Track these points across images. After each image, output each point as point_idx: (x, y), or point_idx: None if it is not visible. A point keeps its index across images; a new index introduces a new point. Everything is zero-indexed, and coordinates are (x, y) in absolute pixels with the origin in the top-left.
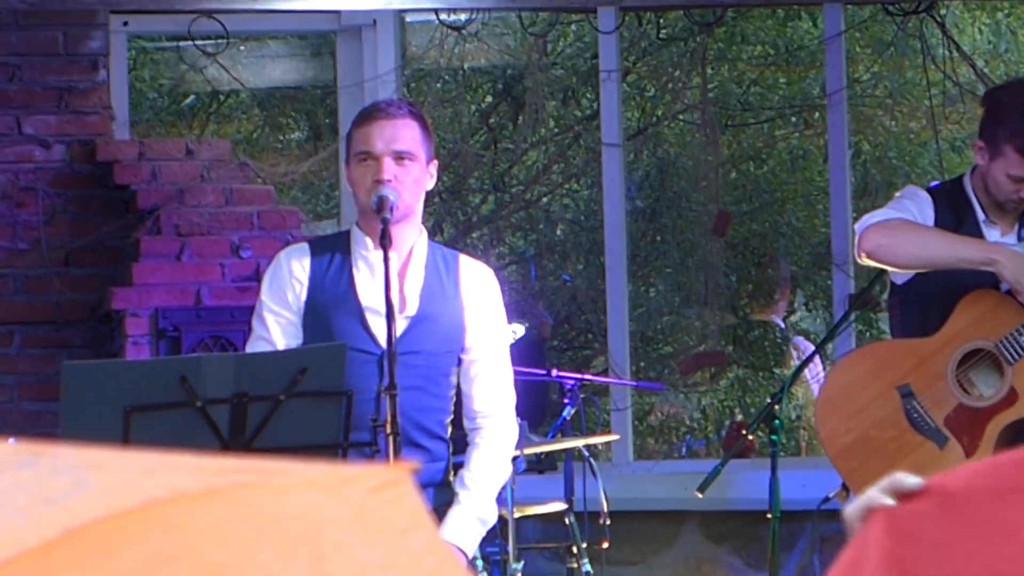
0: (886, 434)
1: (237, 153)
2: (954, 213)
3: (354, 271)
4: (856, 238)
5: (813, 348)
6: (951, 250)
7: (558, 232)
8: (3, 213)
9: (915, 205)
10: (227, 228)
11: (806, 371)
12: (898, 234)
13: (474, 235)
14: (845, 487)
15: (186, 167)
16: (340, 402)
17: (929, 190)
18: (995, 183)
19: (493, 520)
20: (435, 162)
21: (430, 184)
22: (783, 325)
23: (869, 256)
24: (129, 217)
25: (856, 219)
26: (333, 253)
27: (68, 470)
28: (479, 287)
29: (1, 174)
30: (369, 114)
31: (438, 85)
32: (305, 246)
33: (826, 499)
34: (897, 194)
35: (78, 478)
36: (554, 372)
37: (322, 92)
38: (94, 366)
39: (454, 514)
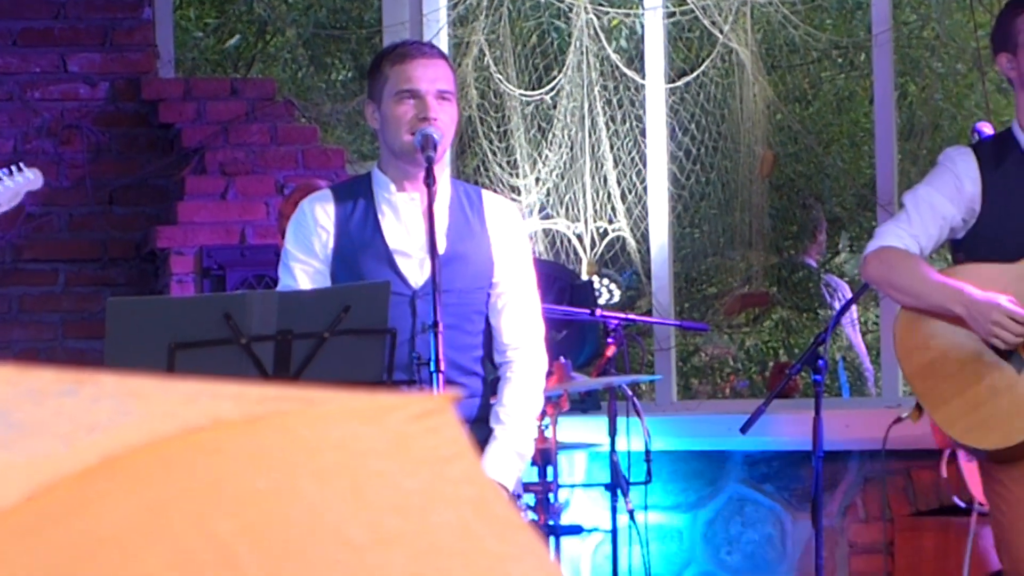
0: (964, 355)
1: (282, 92)
2: (996, 159)
3: (379, 215)
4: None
5: (845, 285)
6: (925, 299)
7: (603, 173)
8: (48, 151)
9: (941, 187)
10: (272, 167)
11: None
12: (888, 274)
13: (518, 177)
14: (918, 407)
15: (231, 106)
16: (383, 340)
17: (975, 145)
18: None
19: (531, 453)
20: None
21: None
22: (815, 265)
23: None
24: (174, 155)
25: (901, 161)
26: (356, 198)
27: (110, 398)
28: (504, 221)
29: (46, 111)
30: (406, 53)
31: (483, 23)
32: (328, 192)
33: (898, 419)
34: (934, 166)
35: (120, 406)
36: (598, 312)
37: (367, 32)
38: (139, 302)
39: (492, 450)
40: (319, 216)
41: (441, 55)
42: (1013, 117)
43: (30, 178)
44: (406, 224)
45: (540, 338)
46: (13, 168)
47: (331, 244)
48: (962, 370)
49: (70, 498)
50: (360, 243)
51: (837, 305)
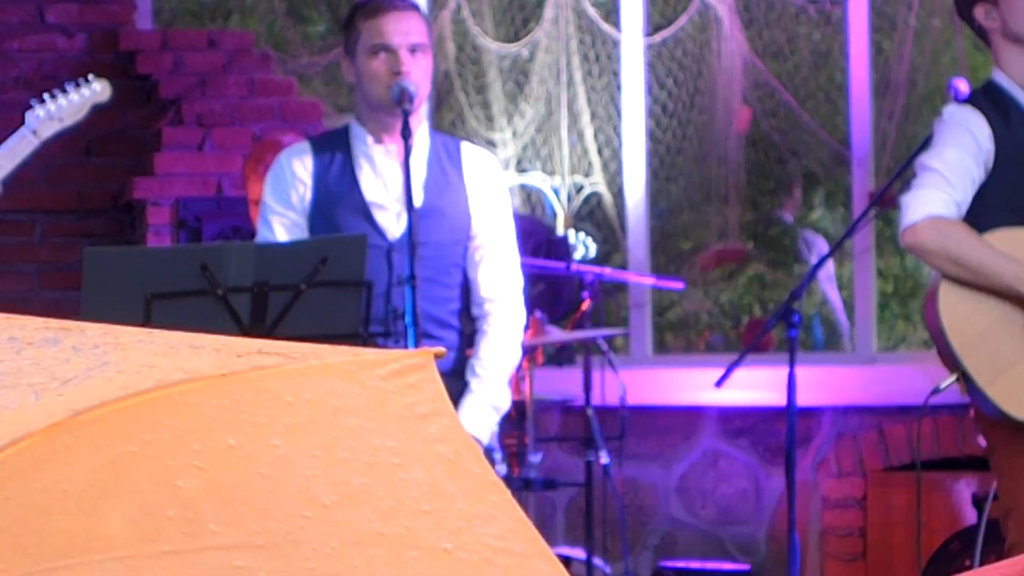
0: (1013, 328)
1: (259, 44)
2: (1000, 115)
3: (356, 167)
4: (901, 222)
5: (822, 241)
6: (991, 277)
7: (580, 127)
8: (24, 102)
9: (965, 147)
10: (249, 119)
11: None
12: (947, 246)
13: (495, 131)
14: (963, 378)
15: (209, 57)
16: (359, 293)
17: (974, 102)
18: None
19: (507, 406)
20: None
21: None
22: (791, 221)
23: (911, 251)
24: (151, 107)
25: (876, 117)
26: (334, 150)
27: (91, 348)
28: (482, 173)
29: (23, 63)
30: (378, 7)
31: None
32: (306, 145)
33: (936, 390)
34: (936, 128)
35: (100, 357)
36: (573, 267)
37: None
38: (116, 253)
39: (467, 404)
40: (296, 169)
41: (413, 7)
42: (993, 69)
43: (97, 90)
44: (383, 177)
45: (518, 291)
46: (81, 80)
47: (308, 196)
48: (1011, 343)
49: (34, 453)
50: (337, 195)
51: (814, 261)
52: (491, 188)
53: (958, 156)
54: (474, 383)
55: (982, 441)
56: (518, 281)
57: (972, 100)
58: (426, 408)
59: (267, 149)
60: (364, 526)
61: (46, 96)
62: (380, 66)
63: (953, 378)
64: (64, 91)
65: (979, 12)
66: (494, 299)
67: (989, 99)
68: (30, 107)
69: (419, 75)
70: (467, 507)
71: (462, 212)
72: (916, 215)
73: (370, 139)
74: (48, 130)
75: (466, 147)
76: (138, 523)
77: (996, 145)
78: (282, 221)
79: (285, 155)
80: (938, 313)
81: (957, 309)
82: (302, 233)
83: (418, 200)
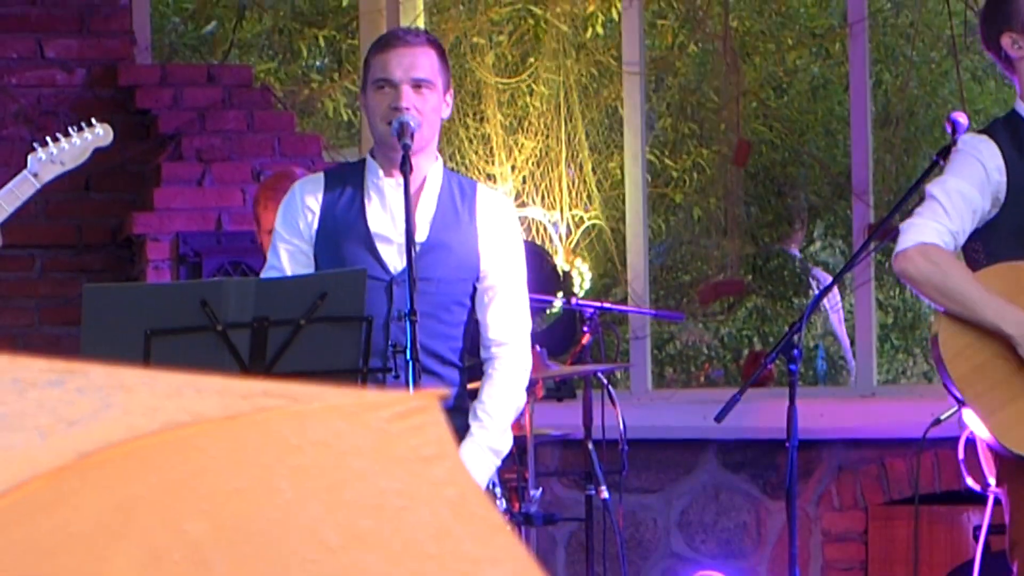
0: (1012, 363)
1: (259, 78)
2: (1016, 146)
3: (365, 199)
4: (897, 246)
5: (829, 279)
6: (976, 312)
7: (579, 160)
8: (24, 137)
9: (970, 177)
10: (248, 154)
11: (825, 300)
12: (936, 277)
13: (494, 165)
14: (963, 410)
15: (208, 92)
16: (359, 328)
17: (991, 132)
18: None
19: (507, 448)
20: (451, 91)
21: (446, 113)
22: (799, 255)
23: (899, 277)
24: (150, 141)
25: (876, 149)
26: (346, 182)
27: (95, 390)
28: (496, 215)
29: (22, 97)
30: (387, 41)
31: (460, 9)
32: (320, 176)
33: (937, 421)
34: (951, 156)
35: (104, 399)
36: (573, 300)
37: (344, 18)
38: (115, 289)
39: (466, 447)
40: (307, 198)
41: (426, 43)
42: (1016, 99)
43: (99, 134)
44: (391, 210)
45: (526, 336)
46: (83, 124)
47: (315, 225)
48: (1011, 378)
49: (41, 495)
50: (344, 226)
51: (827, 302)
52: (504, 231)
53: (961, 186)
54: (475, 427)
55: (971, 483)
56: (526, 325)
57: (990, 129)
58: (431, 451)
59: (283, 179)
60: (371, 569)
61: (48, 139)
62: (382, 100)
63: (953, 410)
64: (67, 134)
65: (1006, 41)
66: (502, 342)
67: (1008, 129)
68: (29, 142)
69: (423, 112)
70: (474, 549)
71: (470, 250)
72: (907, 242)
73: (381, 172)
74: (49, 173)
75: (482, 189)
76: (145, 567)
77: (1009, 177)
78: (288, 248)
79: (299, 185)
80: (939, 345)
81: (957, 342)
82: (307, 261)
83: (422, 235)
